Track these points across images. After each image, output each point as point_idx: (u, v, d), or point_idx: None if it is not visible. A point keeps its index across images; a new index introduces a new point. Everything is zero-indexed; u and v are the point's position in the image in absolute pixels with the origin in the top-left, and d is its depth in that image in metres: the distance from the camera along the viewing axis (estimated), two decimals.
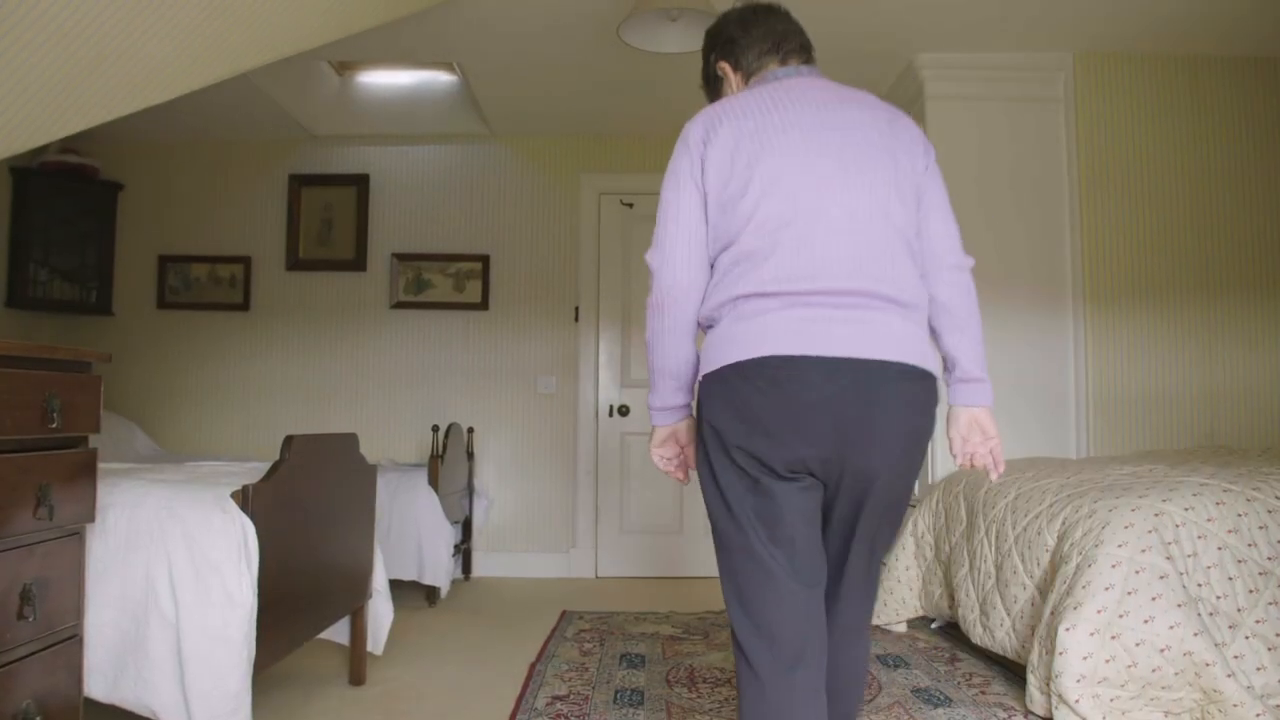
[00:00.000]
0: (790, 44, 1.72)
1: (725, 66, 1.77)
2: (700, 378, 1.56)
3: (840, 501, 1.52)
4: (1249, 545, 2.40)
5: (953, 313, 1.61)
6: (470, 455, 4.78)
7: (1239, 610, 2.34)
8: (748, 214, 1.50)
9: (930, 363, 1.52)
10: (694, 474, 1.66)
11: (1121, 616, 2.26)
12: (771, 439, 1.44)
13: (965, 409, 1.63)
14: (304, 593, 2.42)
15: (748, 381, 1.45)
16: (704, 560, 4.66)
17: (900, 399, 1.46)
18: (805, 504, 1.49)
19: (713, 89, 1.84)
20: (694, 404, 1.65)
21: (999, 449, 1.63)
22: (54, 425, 1.70)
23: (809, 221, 1.47)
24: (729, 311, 1.51)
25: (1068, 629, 2.27)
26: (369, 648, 2.88)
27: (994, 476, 1.67)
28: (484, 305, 5.03)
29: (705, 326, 1.58)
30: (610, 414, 5.01)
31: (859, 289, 1.46)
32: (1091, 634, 2.26)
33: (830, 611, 1.57)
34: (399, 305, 5.04)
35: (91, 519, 1.85)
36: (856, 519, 1.53)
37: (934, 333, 1.62)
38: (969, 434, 1.63)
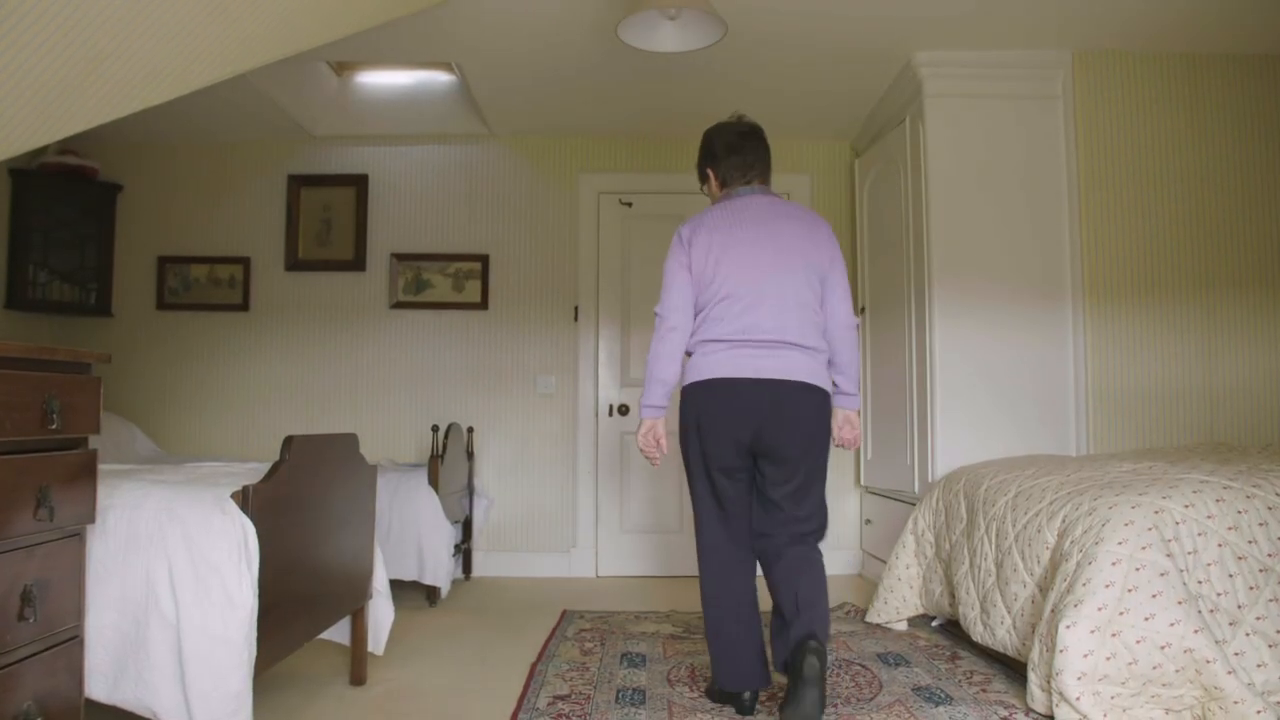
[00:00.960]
0: (755, 170, 2.63)
1: (710, 172, 2.69)
2: (683, 387, 2.54)
3: (766, 462, 2.47)
4: (1249, 542, 2.40)
5: (839, 357, 2.57)
6: (470, 455, 4.78)
7: (1239, 607, 2.35)
8: (715, 291, 2.48)
9: (823, 381, 2.51)
10: (668, 460, 2.81)
11: (1122, 614, 2.26)
12: (720, 424, 2.45)
13: (841, 410, 2.64)
14: (304, 593, 2.42)
15: (708, 393, 2.46)
16: None
17: (801, 402, 2.44)
18: (731, 470, 2.49)
19: (702, 180, 2.75)
20: (677, 405, 2.59)
21: (858, 437, 2.67)
22: (54, 426, 1.70)
23: (750, 299, 2.45)
24: (698, 349, 2.51)
25: (1068, 626, 2.27)
26: (370, 648, 2.88)
27: (849, 449, 2.79)
28: (483, 305, 5.03)
29: (687, 353, 2.56)
30: (610, 413, 5.01)
31: (777, 339, 2.44)
32: (1092, 631, 2.26)
33: (772, 516, 2.50)
34: (398, 305, 5.04)
35: (92, 520, 1.85)
36: (778, 471, 2.47)
37: (831, 365, 2.57)
38: (843, 425, 2.65)
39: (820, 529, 2.51)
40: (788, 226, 2.51)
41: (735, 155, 2.61)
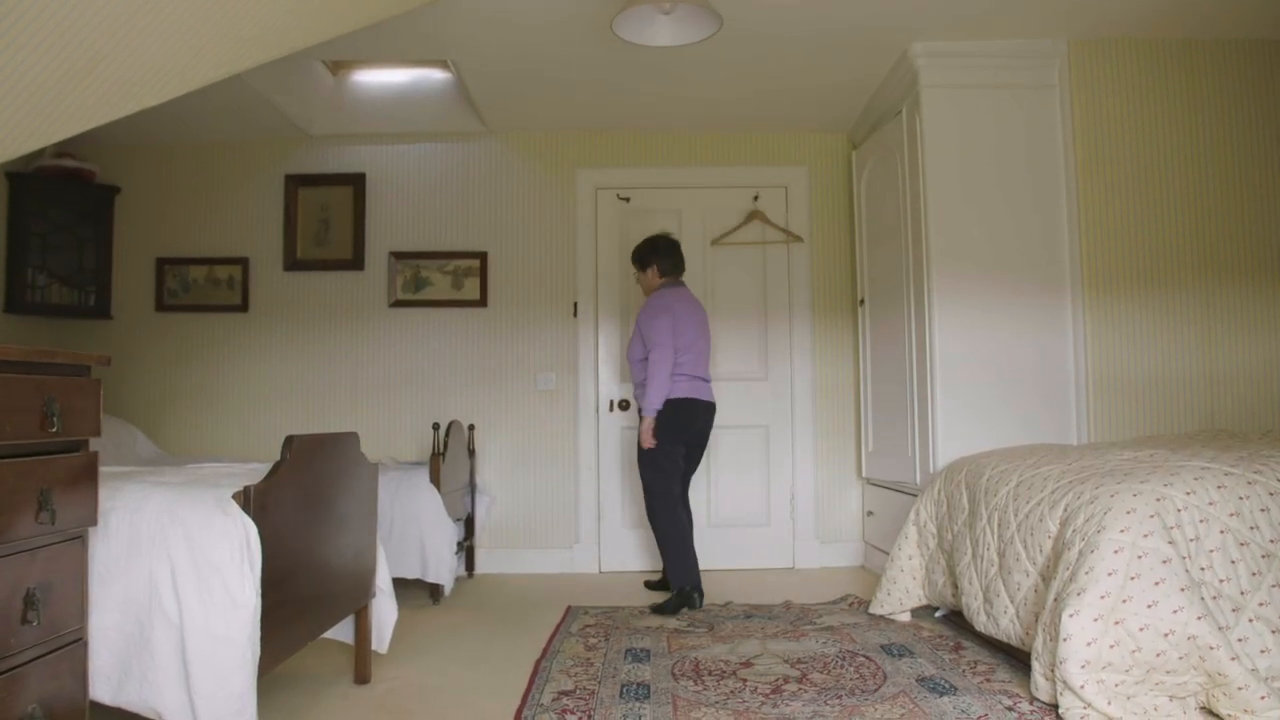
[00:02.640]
0: (678, 270, 4.23)
1: (654, 265, 4.21)
2: (668, 400, 3.99)
3: (694, 451, 4.19)
4: (1251, 528, 2.40)
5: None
6: (471, 452, 4.78)
7: (1242, 593, 2.35)
8: (680, 345, 4.00)
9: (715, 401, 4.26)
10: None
11: (1125, 601, 2.27)
12: (683, 428, 4.04)
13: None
14: (307, 593, 2.42)
15: (684, 405, 4.02)
16: (706, 553, 4.66)
17: (711, 412, 4.15)
18: (683, 452, 4.09)
19: (644, 267, 4.25)
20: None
21: None
22: (54, 429, 1.70)
23: (694, 352, 4.05)
24: (675, 381, 4.00)
25: (1071, 615, 2.28)
26: (373, 646, 2.88)
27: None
28: (482, 302, 5.03)
29: None
30: (611, 409, 5.01)
31: (705, 377, 4.14)
32: (1095, 619, 2.26)
33: (686, 478, 4.23)
34: (397, 304, 5.04)
35: (94, 522, 1.85)
36: (698, 455, 4.23)
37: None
38: None
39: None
40: (700, 312, 4.18)
41: (669, 259, 4.20)
